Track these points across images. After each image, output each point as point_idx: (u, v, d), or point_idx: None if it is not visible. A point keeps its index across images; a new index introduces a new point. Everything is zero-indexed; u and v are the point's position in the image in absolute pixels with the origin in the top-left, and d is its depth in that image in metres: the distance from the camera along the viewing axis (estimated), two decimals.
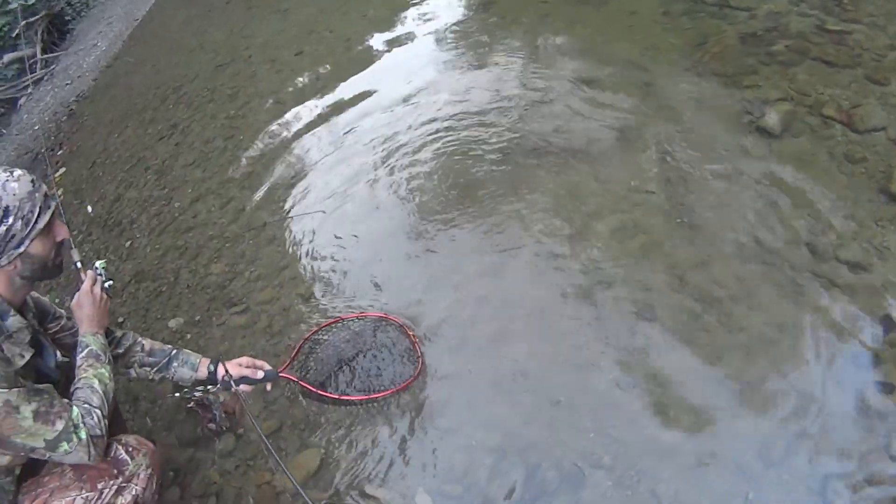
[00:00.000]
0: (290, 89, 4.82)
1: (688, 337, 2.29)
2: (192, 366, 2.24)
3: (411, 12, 5.31)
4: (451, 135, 3.52)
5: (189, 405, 2.63)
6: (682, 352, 2.25)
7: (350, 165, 3.62)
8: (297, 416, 2.48)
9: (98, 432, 1.72)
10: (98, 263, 2.07)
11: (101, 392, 1.79)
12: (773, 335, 2.24)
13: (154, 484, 1.93)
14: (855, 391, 2.04)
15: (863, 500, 1.79)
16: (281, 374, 2.34)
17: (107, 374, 1.85)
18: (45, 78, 7.90)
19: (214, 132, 4.57)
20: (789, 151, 2.89)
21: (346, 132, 3.95)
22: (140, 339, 2.21)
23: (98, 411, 1.74)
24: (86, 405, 1.74)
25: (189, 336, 3.02)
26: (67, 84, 7.09)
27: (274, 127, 4.36)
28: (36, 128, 6.33)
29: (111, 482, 1.82)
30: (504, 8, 4.82)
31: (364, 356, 2.54)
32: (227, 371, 2.22)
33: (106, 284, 2.03)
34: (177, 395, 2.33)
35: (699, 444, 2.00)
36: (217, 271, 3.28)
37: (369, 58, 4.83)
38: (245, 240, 3.38)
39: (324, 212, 3.36)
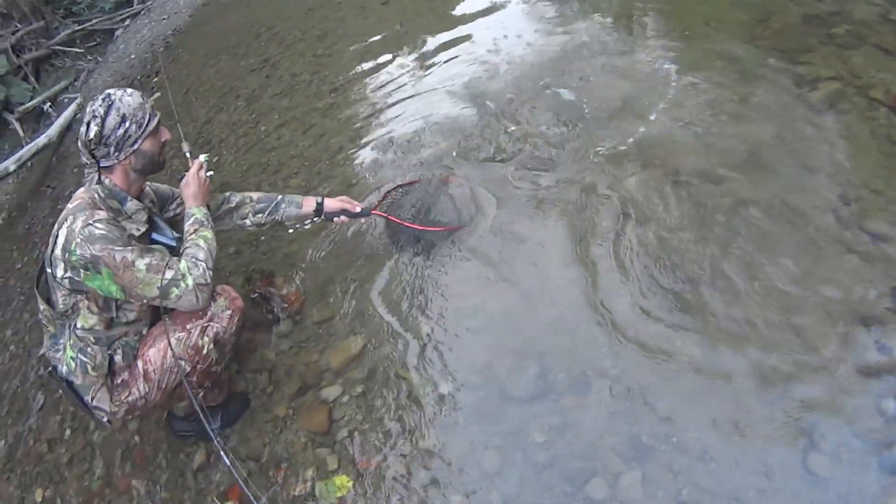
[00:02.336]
0: (375, 34, 5.31)
1: (709, 280, 2.63)
2: (297, 205, 2.83)
3: None
4: (515, 111, 3.92)
5: (254, 296, 3.20)
6: (699, 292, 2.60)
7: (425, 103, 4.08)
8: (349, 310, 2.98)
9: (202, 281, 2.19)
10: (202, 156, 2.56)
11: (205, 248, 2.26)
12: (785, 287, 2.55)
13: (233, 324, 2.43)
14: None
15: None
16: (373, 212, 3.00)
17: (210, 236, 2.33)
18: (142, 12, 8.66)
19: (302, 68, 5.13)
20: (833, 126, 3.14)
21: (424, 74, 4.41)
22: (246, 193, 2.81)
23: (203, 263, 2.21)
24: (192, 259, 2.21)
25: (263, 238, 3.59)
26: (164, 19, 7.79)
27: (357, 66, 4.88)
28: (132, 57, 7.05)
29: (197, 322, 2.35)
30: None
31: (435, 207, 3.23)
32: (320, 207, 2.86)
33: (209, 173, 2.54)
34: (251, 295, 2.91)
35: (699, 373, 2.36)
36: (294, 185, 3.83)
37: (452, 9, 5.27)
38: (322, 160, 3.91)
39: (393, 140, 3.86)
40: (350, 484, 2.44)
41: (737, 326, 2.46)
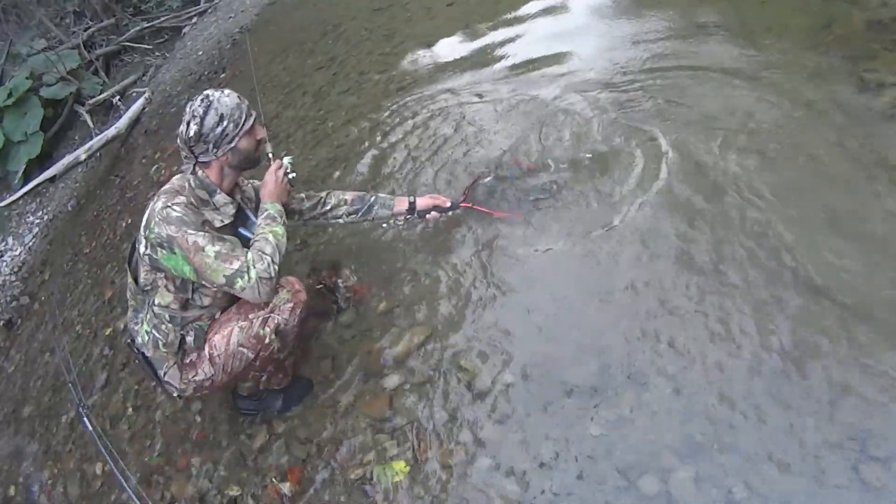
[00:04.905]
0: (442, 35, 5.51)
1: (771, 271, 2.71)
2: (389, 206, 3.08)
3: None
4: (577, 100, 4.05)
5: (319, 286, 3.40)
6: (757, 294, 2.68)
7: (492, 106, 4.24)
8: (412, 301, 3.16)
9: (266, 275, 2.33)
10: (286, 159, 2.75)
11: (273, 243, 2.41)
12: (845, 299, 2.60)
13: (295, 316, 2.60)
14: None
15: None
16: (462, 205, 3.26)
17: (280, 231, 2.49)
18: (209, 10, 9.10)
19: (369, 66, 5.36)
20: (894, 133, 3.17)
21: (491, 78, 4.59)
22: (341, 193, 3.03)
23: (269, 258, 2.36)
24: (259, 252, 2.36)
25: (329, 229, 3.80)
26: (231, 17, 8.19)
27: (424, 66, 5.07)
28: (199, 54, 7.44)
29: (259, 313, 2.53)
30: None
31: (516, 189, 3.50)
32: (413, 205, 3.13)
33: (290, 175, 2.71)
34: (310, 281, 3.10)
35: (756, 375, 2.44)
36: (360, 182, 4.03)
37: (518, 13, 5.44)
38: (389, 157, 4.11)
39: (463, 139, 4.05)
40: (407, 469, 2.58)
41: (800, 336, 2.52)
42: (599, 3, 5.14)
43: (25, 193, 6.33)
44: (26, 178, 6.91)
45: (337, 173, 4.21)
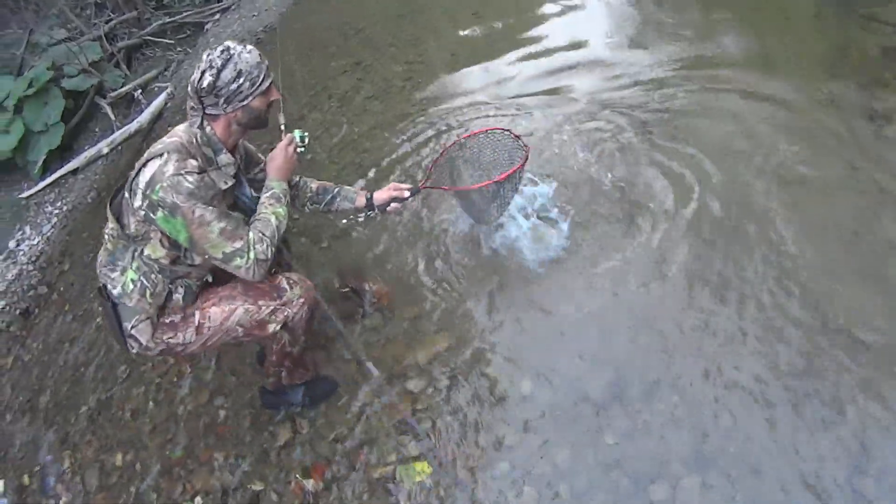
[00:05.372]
0: (467, 45, 5.64)
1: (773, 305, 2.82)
2: (350, 199, 3.00)
3: None
4: (598, 119, 4.17)
5: (345, 290, 3.50)
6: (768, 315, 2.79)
7: (518, 120, 4.36)
8: (438, 308, 3.30)
9: (263, 257, 2.37)
10: (297, 132, 2.69)
11: (274, 226, 2.44)
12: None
13: (303, 313, 2.66)
14: None
15: None
16: (422, 188, 3.09)
17: (282, 213, 2.51)
18: (232, 7, 9.22)
19: (394, 73, 5.48)
20: None
21: (510, 92, 4.72)
22: (308, 181, 2.99)
23: (268, 240, 2.40)
24: (259, 233, 2.39)
25: (355, 234, 3.90)
26: (254, 16, 8.31)
27: (448, 75, 5.19)
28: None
29: (270, 303, 2.58)
30: None
31: (481, 165, 3.35)
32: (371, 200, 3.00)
33: (300, 149, 2.67)
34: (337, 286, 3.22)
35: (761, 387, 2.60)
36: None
37: (540, 23, 5.58)
38: (413, 164, 4.23)
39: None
40: (429, 470, 2.69)
41: (801, 350, 2.65)
42: (622, 22, 5.27)
43: (47, 185, 6.44)
44: (45, 168, 7.00)
45: (362, 181, 4.32)
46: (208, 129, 2.41)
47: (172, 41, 9.06)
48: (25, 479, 4.15)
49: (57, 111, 7.64)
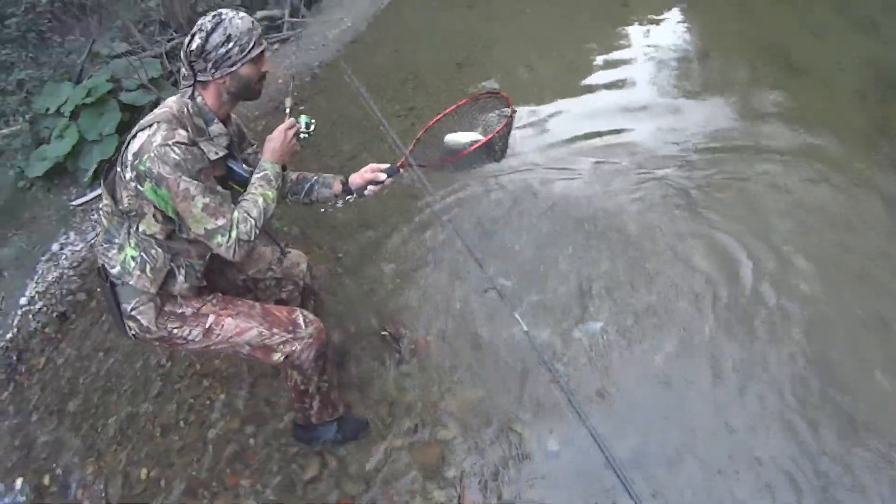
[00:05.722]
0: (519, 97, 5.81)
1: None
2: (328, 185, 2.96)
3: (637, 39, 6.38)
4: (642, 187, 4.32)
5: (384, 333, 3.62)
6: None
7: (560, 172, 4.53)
8: (473, 360, 3.47)
9: (245, 237, 2.39)
10: (303, 117, 2.70)
11: (261, 208, 2.45)
12: None
13: (310, 352, 2.76)
14: None
15: None
16: (400, 168, 3.01)
17: (271, 196, 2.50)
18: (291, 39, 9.52)
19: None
20: None
21: (559, 153, 4.89)
22: (287, 172, 2.95)
23: (253, 221, 2.41)
24: (245, 213, 2.41)
25: (399, 280, 4.02)
26: (311, 49, 8.57)
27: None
28: (279, 81, 7.80)
29: (284, 334, 2.69)
30: (718, 61, 5.60)
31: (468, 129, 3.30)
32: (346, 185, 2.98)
33: (301, 135, 2.68)
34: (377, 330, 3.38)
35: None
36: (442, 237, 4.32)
37: (593, 80, 5.80)
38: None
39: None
40: None
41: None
42: (666, 84, 5.46)
43: (96, 195, 6.65)
44: (95, 177, 7.22)
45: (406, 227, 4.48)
46: (199, 98, 2.42)
47: None
48: (46, 480, 4.24)
49: (113, 123, 7.88)
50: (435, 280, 3.95)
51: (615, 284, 3.79)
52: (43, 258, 6.29)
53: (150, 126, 2.29)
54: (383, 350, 3.60)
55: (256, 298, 2.97)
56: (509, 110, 3.18)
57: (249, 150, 2.84)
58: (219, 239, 2.36)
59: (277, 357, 2.70)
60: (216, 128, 2.47)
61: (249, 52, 2.35)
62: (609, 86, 5.74)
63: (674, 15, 7.38)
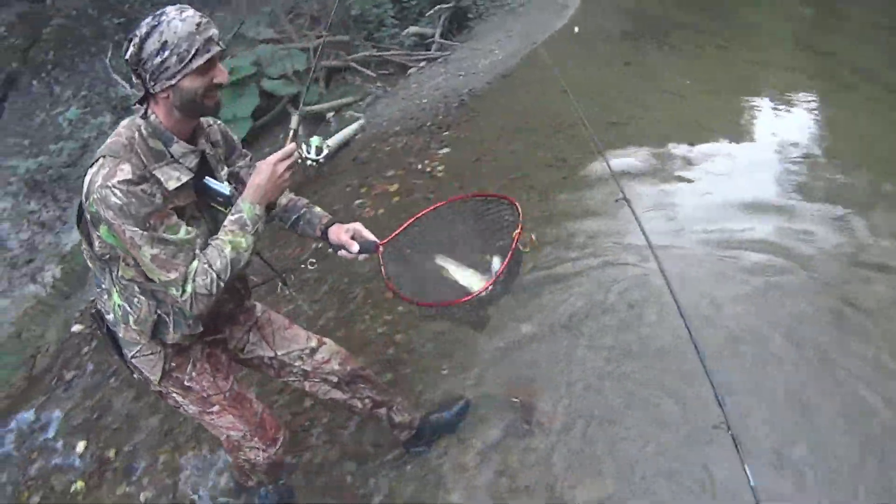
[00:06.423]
0: (677, 174, 5.55)
1: None
2: (312, 227, 2.60)
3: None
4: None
5: (514, 400, 3.41)
6: None
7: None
8: (607, 447, 3.16)
9: (205, 292, 2.07)
10: (314, 139, 2.33)
11: (228, 259, 2.10)
12: None
13: (266, 464, 2.73)
14: None
15: None
16: (377, 250, 2.52)
17: (244, 245, 2.14)
18: (439, 60, 9.54)
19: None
20: None
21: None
22: (285, 194, 2.65)
23: (214, 274, 2.07)
24: (205, 265, 2.08)
25: None
26: (460, 75, 8.51)
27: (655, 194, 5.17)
28: (424, 101, 7.76)
29: (260, 444, 2.67)
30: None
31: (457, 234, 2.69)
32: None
33: (309, 162, 2.31)
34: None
35: None
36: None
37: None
38: None
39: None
40: None
41: None
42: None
43: None
44: None
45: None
46: (153, 116, 2.12)
47: (374, 74, 9.44)
48: (111, 454, 4.13)
49: (250, 106, 8.05)
50: (584, 356, 3.67)
51: None
52: None
53: (97, 161, 2.05)
54: (508, 417, 3.34)
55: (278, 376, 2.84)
56: (517, 230, 2.48)
57: (241, 164, 2.53)
58: (173, 292, 2.09)
59: (238, 456, 2.77)
60: (178, 147, 2.16)
61: (190, 61, 1.99)
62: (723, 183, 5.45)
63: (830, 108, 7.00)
